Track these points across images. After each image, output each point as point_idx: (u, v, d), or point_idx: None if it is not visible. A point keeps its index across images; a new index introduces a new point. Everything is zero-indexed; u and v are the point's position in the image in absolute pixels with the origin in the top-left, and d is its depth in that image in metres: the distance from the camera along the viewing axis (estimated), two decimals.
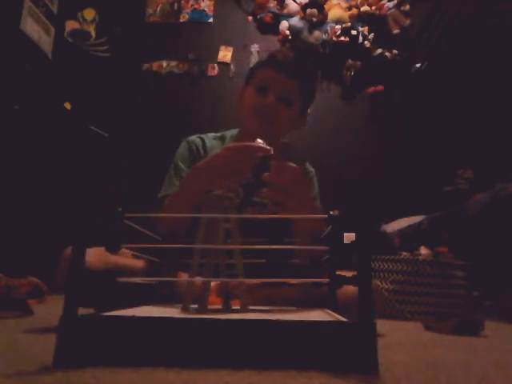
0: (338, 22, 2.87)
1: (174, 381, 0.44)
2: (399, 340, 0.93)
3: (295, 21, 2.88)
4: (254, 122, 1.12)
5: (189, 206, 0.84)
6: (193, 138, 1.20)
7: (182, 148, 1.18)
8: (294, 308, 0.78)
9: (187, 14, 3.07)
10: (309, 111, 1.27)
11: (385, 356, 0.63)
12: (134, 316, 0.52)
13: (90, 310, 0.67)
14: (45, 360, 0.50)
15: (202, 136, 1.21)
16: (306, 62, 1.19)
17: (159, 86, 2.95)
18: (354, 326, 0.50)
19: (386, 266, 1.72)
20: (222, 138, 1.23)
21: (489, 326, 1.13)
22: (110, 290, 0.63)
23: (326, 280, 0.70)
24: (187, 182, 0.93)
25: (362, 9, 2.89)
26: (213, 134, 1.24)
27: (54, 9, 2.91)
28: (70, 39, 2.99)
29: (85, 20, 3.03)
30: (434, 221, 1.99)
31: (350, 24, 2.83)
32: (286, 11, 2.93)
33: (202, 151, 1.17)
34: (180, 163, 1.14)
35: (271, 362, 0.49)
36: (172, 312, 0.62)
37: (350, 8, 2.93)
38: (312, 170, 1.29)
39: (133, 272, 0.94)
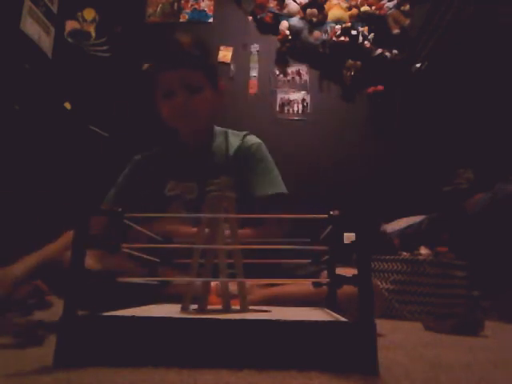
0: (338, 21, 2.86)
1: (174, 381, 0.44)
2: (399, 340, 0.92)
3: (295, 21, 2.88)
4: (179, 125, 1.16)
5: None
6: (137, 155, 1.28)
7: (127, 168, 1.26)
8: (294, 308, 0.78)
9: (187, 13, 3.07)
10: (221, 82, 1.25)
11: (385, 356, 0.63)
12: (133, 316, 0.52)
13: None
14: (45, 360, 0.50)
15: (145, 151, 1.28)
16: (196, 42, 1.14)
17: None
18: (354, 325, 0.50)
19: (386, 266, 1.72)
20: (162, 146, 1.29)
21: (489, 326, 1.13)
22: (108, 291, 0.63)
23: (326, 280, 0.70)
24: None
25: (362, 9, 2.89)
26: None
27: (54, 9, 2.91)
28: (69, 39, 2.99)
29: (85, 20, 3.03)
30: (434, 221, 1.99)
31: (350, 24, 2.82)
32: (285, 11, 2.92)
33: (143, 162, 1.24)
34: (120, 181, 1.24)
35: (271, 362, 0.49)
36: (172, 312, 0.62)
37: (350, 8, 2.92)
38: (256, 141, 1.23)
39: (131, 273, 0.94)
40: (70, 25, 3.01)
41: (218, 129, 1.27)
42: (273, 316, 0.59)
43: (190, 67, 1.09)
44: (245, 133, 1.25)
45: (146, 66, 2.98)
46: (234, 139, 1.23)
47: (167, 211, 1.11)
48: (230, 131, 1.26)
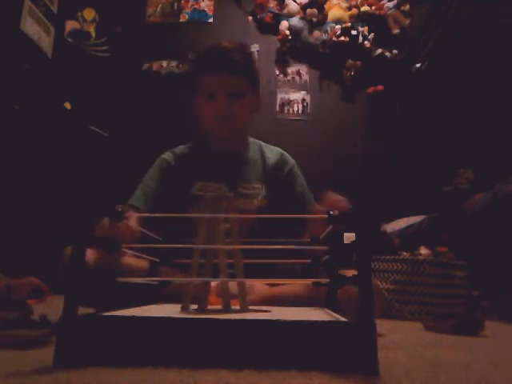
0: (338, 21, 2.86)
1: (174, 381, 0.44)
2: (399, 340, 0.92)
3: (295, 21, 2.88)
4: (217, 128, 1.16)
5: None
6: (166, 154, 1.26)
7: (155, 166, 1.24)
8: (294, 308, 0.78)
9: (187, 13, 3.07)
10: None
11: (385, 356, 0.63)
12: (133, 316, 0.52)
13: (90, 310, 0.67)
14: (45, 360, 0.50)
15: (174, 149, 1.27)
16: (240, 48, 1.17)
17: (159, 86, 2.94)
18: (354, 325, 0.50)
19: (386, 266, 1.72)
20: (192, 147, 1.28)
21: (489, 326, 1.13)
22: (110, 290, 0.63)
23: (325, 280, 0.70)
24: None
25: (362, 9, 2.89)
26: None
27: (54, 9, 2.91)
28: (69, 39, 2.99)
29: (85, 20, 3.03)
30: (434, 221, 1.99)
31: (349, 24, 2.82)
32: (285, 11, 2.92)
33: (173, 163, 1.23)
34: (149, 179, 1.20)
35: (271, 361, 0.49)
36: (172, 312, 0.62)
37: (350, 8, 2.92)
38: (292, 161, 1.29)
39: (134, 272, 0.94)
40: (70, 25, 3.01)
41: (251, 139, 1.31)
42: (273, 316, 0.59)
43: (233, 73, 1.11)
44: (281, 151, 1.30)
45: (146, 66, 2.99)
46: (270, 153, 1.28)
47: (191, 209, 1.11)
48: (263, 144, 1.31)
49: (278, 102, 2.90)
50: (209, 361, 0.49)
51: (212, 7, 3.06)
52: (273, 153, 1.29)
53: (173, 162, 1.23)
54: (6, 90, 2.16)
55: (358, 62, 2.83)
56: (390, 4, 2.87)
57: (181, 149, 1.27)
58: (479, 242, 1.83)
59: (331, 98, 2.90)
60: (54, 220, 2.09)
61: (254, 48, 2.96)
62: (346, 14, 2.89)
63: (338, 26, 2.84)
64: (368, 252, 0.52)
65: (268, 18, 2.94)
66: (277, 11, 2.94)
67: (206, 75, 1.13)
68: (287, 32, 2.86)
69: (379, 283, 1.66)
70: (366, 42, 2.82)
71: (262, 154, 1.27)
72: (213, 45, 1.15)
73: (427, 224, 1.99)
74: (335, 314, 0.64)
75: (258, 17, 2.97)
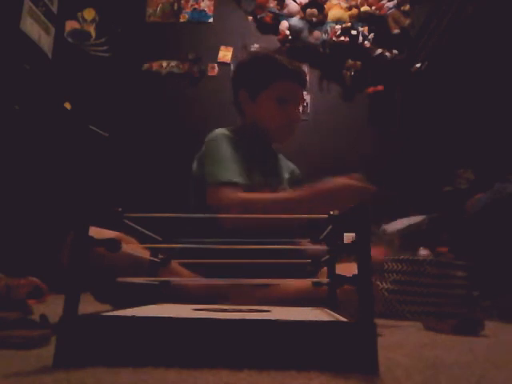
0: (337, 22, 2.87)
1: (174, 381, 0.44)
2: (399, 340, 0.92)
3: (295, 21, 2.88)
4: (281, 132, 1.22)
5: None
6: (221, 131, 1.17)
7: (222, 141, 1.14)
8: (294, 308, 0.78)
9: (187, 14, 3.07)
10: None
11: (385, 356, 0.63)
12: (133, 316, 0.52)
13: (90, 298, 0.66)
14: (45, 360, 0.50)
15: (226, 128, 1.20)
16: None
17: (159, 86, 2.95)
18: (354, 325, 0.50)
19: (386, 266, 1.72)
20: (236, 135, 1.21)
21: (489, 326, 1.13)
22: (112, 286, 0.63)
23: (325, 280, 0.70)
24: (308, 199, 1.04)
25: (362, 9, 2.89)
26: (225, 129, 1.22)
27: (54, 9, 2.91)
28: (70, 39, 2.99)
29: (85, 20, 3.04)
30: (434, 221, 1.99)
31: (350, 24, 2.83)
32: (286, 11, 2.93)
33: (233, 142, 1.16)
34: (228, 152, 1.11)
35: (271, 361, 0.49)
36: (172, 312, 0.62)
37: (350, 8, 2.93)
38: None
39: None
40: (70, 25, 3.01)
41: None
42: (273, 316, 0.59)
43: (305, 87, 1.26)
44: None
45: (146, 66, 2.99)
46: (287, 161, 1.36)
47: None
48: None
49: None
50: (209, 361, 0.49)
51: (212, 7, 3.06)
52: (288, 164, 1.37)
53: (235, 139, 1.15)
54: (6, 89, 2.16)
55: (358, 62, 2.84)
56: (390, 4, 2.87)
57: (228, 131, 1.19)
58: (479, 242, 1.83)
59: (331, 98, 2.90)
60: (54, 220, 2.09)
61: (254, 48, 2.96)
62: (345, 14, 2.90)
63: (338, 26, 2.84)
64: (368, 252, 0.52)
65: (268, 18, 2.94)
66: (277, 11, 2.94)
67: (285, 81, 1.18)
68: (287, 32, 2.86)
69: (379, 283, 1.66)
70: (366, 42, 2.82)
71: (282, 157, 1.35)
72: (284, 54, 1.24)
73: (427, 224, 1.99)
74: (335, 314, 0.64)
75: (258, 17, 2.97)
